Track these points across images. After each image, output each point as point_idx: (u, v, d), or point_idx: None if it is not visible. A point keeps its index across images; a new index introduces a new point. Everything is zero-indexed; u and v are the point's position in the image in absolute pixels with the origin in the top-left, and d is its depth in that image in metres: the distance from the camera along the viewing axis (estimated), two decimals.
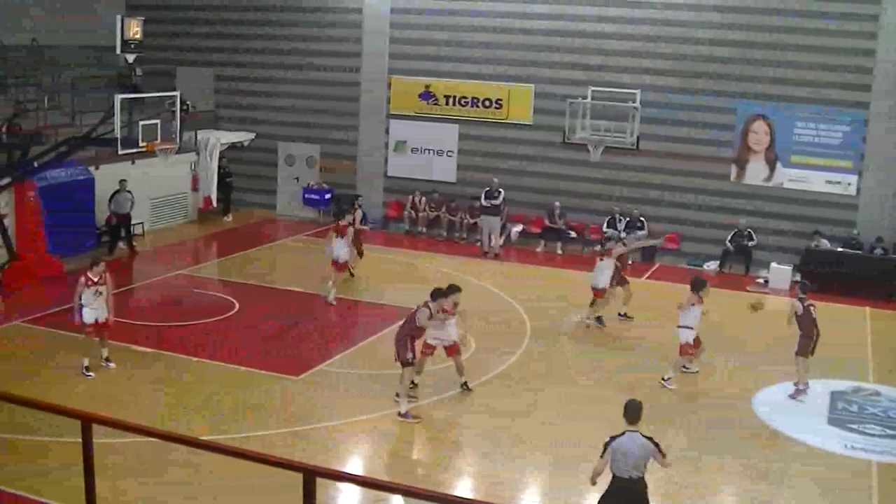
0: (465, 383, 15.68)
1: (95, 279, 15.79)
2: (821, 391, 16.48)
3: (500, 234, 26.27)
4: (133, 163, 24.23)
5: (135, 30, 20.30)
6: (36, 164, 21.22)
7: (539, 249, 26.59)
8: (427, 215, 27.87)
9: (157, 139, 21.19)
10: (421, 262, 24.61)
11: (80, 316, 15.76)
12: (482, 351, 17.59)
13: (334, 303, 20.57)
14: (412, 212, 27.96)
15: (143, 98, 21.22)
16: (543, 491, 13.00)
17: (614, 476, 10.00)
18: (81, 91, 25.63)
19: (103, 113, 20.95)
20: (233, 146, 29.22)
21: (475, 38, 27.26)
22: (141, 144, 20.70)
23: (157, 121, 21.07)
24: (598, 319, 19.81)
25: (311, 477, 5.85)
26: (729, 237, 24.95)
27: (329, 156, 29.46)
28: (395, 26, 28.06)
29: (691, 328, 16.40)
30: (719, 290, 22.59)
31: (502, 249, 26.11)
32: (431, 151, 28.17)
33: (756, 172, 25.19)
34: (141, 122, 20.65)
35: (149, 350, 16.97)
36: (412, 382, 15.13)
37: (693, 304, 16.43)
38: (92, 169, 24.01)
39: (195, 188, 28.28)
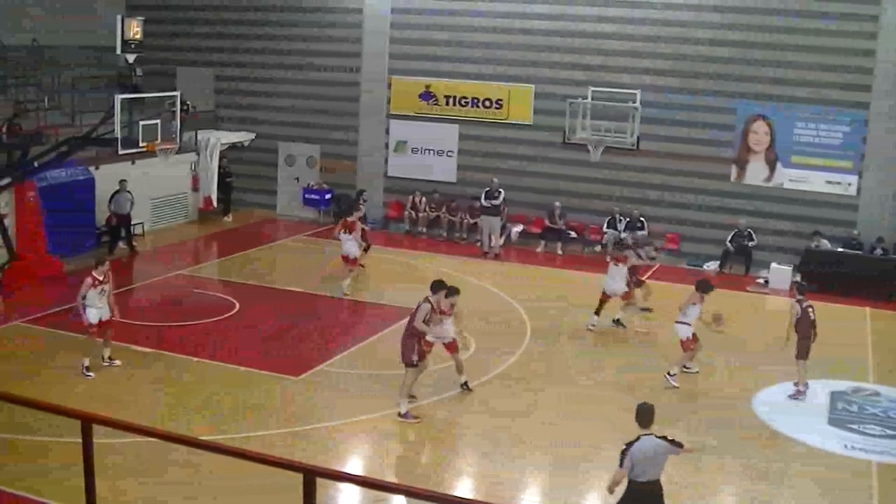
0: (466, 383, 15.67)
1: (101, 278, 15.82)
2: (821, 391, 16.46)
3: (501, 235, 26.27)
4: (133, 163, 24.23)
5: (135, 30, 20.31)
6: (36, 164, 21.21)
7: (539, 250, 26.58)
8: (427, 215, 27.87)
9: (157, 139, 21.20)
10: (421, 262, 24.59)
11: (86, 316, 15.72)
12: (482, 351, 17.58)
13: (349, 292, 20.98)
14: (412, 212, 27.96)
15: (143, 98, 21.23)
16: (543, 491, 12.99)
17: (632, 481, 9.99)
18: (82, 91, 25.62)
19: (103, 113, 20.95)
20: (233, 146, 29.22)
21: (475, 39, 27.26)
22: (141, 144, 20.71)
23: (158, 121, 21.07)
24: (617, 321, 19.82)
25: (311, 477, 5.85)
26: (729, 237, 24.95)
27: (329, 156, 29.46)
28: (395, 26, 28.06)
29: (688, 324, 16.46)
30: (720, 291, 22.56)
31: (502, 249, 26.10)
32: (432, 151, 28.16)
33: (756, 173, 25.18)
34: (141, 123, 20.66)
35: (148, 350, 16.96)
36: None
37: (694, 304, 16.47)
38: (92, 169, 24.01)
39: (195, 188, 28.28)
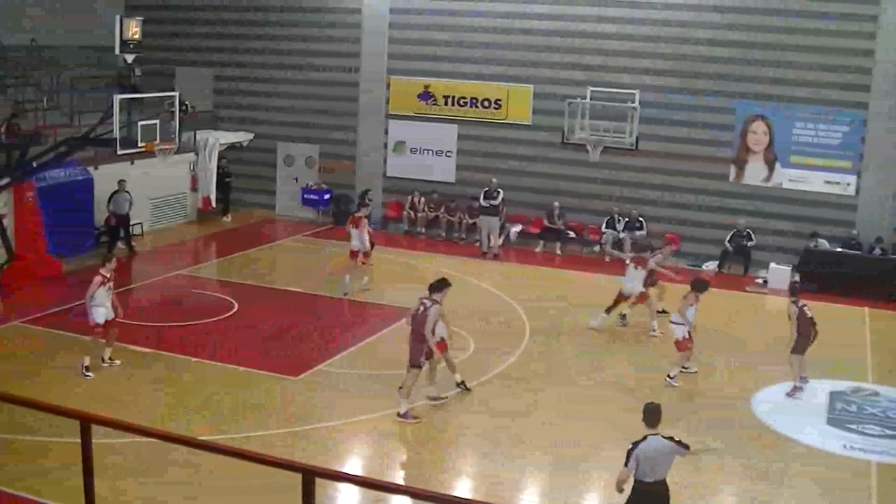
0: (463, 382, 15.60)
1: (108, 276, 15.89)
2: (820, 391, 16.47)
3: (499, 235, 26.27)
4: (132, 163, 24.20)
5: (134, 30, 20.33)
6: (35, 165, 21.21)
7: (538, 250, 26.58)
8: (426, 215, 27.86)
9: (156, 139, 21.20)
10: (420, 262, 24.59)
11: (93, 316, 15.73)
12: (482, 351, 17.59)
13: (348, 291, 21.19)
14: (411, 212, 27.95)
15: (142, 98, 21.22)
16: (543, 491, 12.98)
17: (639, 481, 9.97)
18: (81, 91, 25.61)
19: (102, 113, 20.95)
20: (232, 146, 29.22)
21: (474, 39, 27.26)
22: (140, 145, 20.71)
23: (156, 121, 21.08)
24: (623, 317, 19.88)
25: (311, 477, 5.84)
26: (728, 237, 24.94)
27: (328, 156, 29.45)
28: (394, 26, 28.05)
29: (683, 324, 16.49)
30: (718, 291, 22.61)
31: (501, 250, 26.09)
32: (430, 152, 28.16)
33: (755, 173, 25.19)
34: (140, 123, 20.66)
35: (147, 350, 16.93)
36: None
37: (691, 304, 16.55)
38: (91, 169, 24.00)
39: (194, 188, 28.26)
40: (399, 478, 12.93)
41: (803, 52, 24.22)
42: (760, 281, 24.04)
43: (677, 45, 25.33)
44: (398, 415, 14.48)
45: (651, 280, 19.82)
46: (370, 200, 24.62)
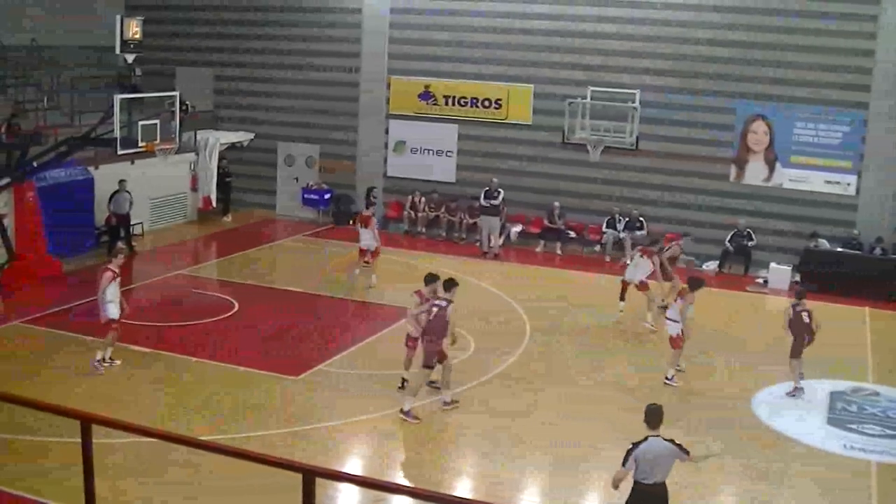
0: (433, 382, 15.49)
1: (118, 271, 15.99)
2: (820, 391, 16.49)
3: (500, 235, 26.28)
4: (132, 163, 24.21)
5: (134, 30, 20.34)
6: (35, 164, 21.22)
7: (538, 249, 26.59)
8: (426, 215, 27.86)
9: (156, 139, 21.23)
10: (421, 262, 24.52)
11: (106, 312, 15.79)
12: (482, 351, 17.59)
13: (373, 284, 21.77)
14: (411, 212, 27.96)
15: (142, 98, 21.23)
16: (543, 491, 12.99)
17: (638, 482, 9.93)
18: (81, 91, 25.62)
19: (102, 113, 20.95)
20: (232, 146, 29.23)
21: (474, 39, 27.25)
22: (140, 145, 20.74)
23: (157, 121, 21.11)
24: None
25: (311, 477, 5.84)
26: (728, 237, 24.94)
27: (328, 156, 29.46)
28: (394, 26, 28.05)
29: (678, 321, 16.55)
30: (719, 291, 22.69)
31: (501, 249, 26.09)
32: (431, 151, 28.16)
33: (755, 173, 25.18)
34: (140, 123, 20.69)
35: (147, 350, 16.92)
36: (404, 381, 15.35)
37: (690, 304, 16.65)
38: (91, 169, 24.00)
39: (194, 188, 28.27)
40: (399, 478, 12.93)
41: (803, 52, 24.21)
42: (761, 281, 24.05)
43: (677, 45, 25.32)
44: (401, 411, 14.49)
45: (668, 274, 20.07)
46: (375, 198, 24.79)
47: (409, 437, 14.33)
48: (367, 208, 23.12)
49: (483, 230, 26.24)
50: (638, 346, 18.75)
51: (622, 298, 20.28)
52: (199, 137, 27.80)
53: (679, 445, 10.02)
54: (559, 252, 26.44)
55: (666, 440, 10.01)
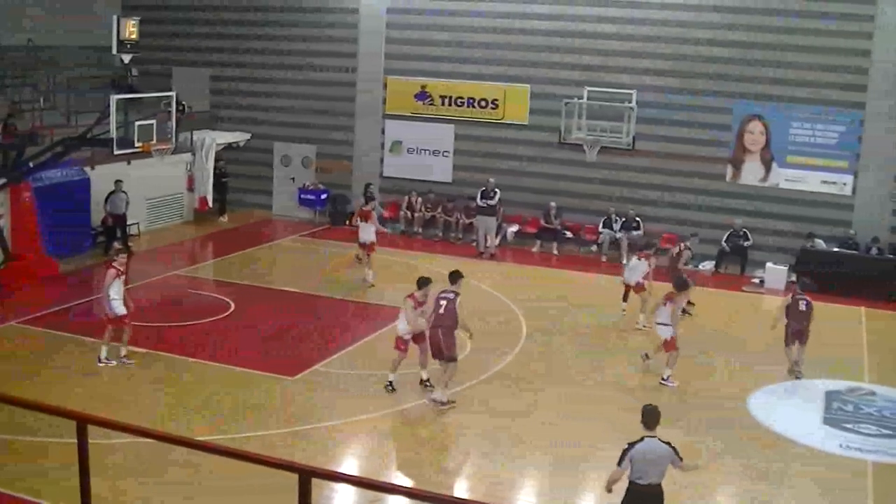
0: (427, 380, 15.65)
1: (122, 269, 16.08)
2: (817, 391, 16.52)
3: (496, 235, 26.28)
4: (129, 163, 24.15)
5: (130, 30, 20.33)
6: (31, 165, 21.19)
7: (535, 250, 26.60)
8: (423, 215, 27.86)
9: (152, 139, 21.23)
10: (420, 262, 24.53)
11: (112, 309, 15.89)
12: (480, 351, 17.48)
13: (371, 281, 21.97)
14: (408, 212, 27.95)
15: (139, 98, 21.20)
16: (543, 491, 12.97)
17: (633, 483, 9.91)
18: (79, 91, 25.57)
19: (99, 113, 20.93)
20: (229, 146, 29.19)
21: (471, 39, 27.25)
22: (137, 145, 20.72)
23: (153, 121, 21.11)
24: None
25: (307, 478, 5.84)
26: (725, 237, 24.97)
27: (325, 156, 29.44)
28: (391, 26, 28.05)
29: (669, 325, 16.60)
30: (715, 291, 22.75)
31: (498, 250, 26.10)
32: (427, 152, 28.15)
33: (752, 172, 25.20)
34: (137, 123, 20.67)
35: (141, 350, 16.78)
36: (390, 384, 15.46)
37: (681, 305, 16.92)
38: (88, 169, 23.95)
39: (191, 188, 28.25)
40: (399, 477, 12.89)
41: (801, 52, 24.25)
42: (757, 281, 24.08)
43: (674, 45, 25.34)
44: (436, 401, 14.79)
45: (678, 272, 20.12)
46: (372, 194, 25.07)
47: (409, 436, 14.35)
48: (367, 203, 23.30)
49: (479, 230, 26.25)
50: (638, 347, 18.66)
51: (625, 299, 20.41)
52: (195, 138, 27.78)
53: (675, 449, 9.99)
54: (555, 252, 26.45)
55: (663, 442, 9.98)
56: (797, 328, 16.94)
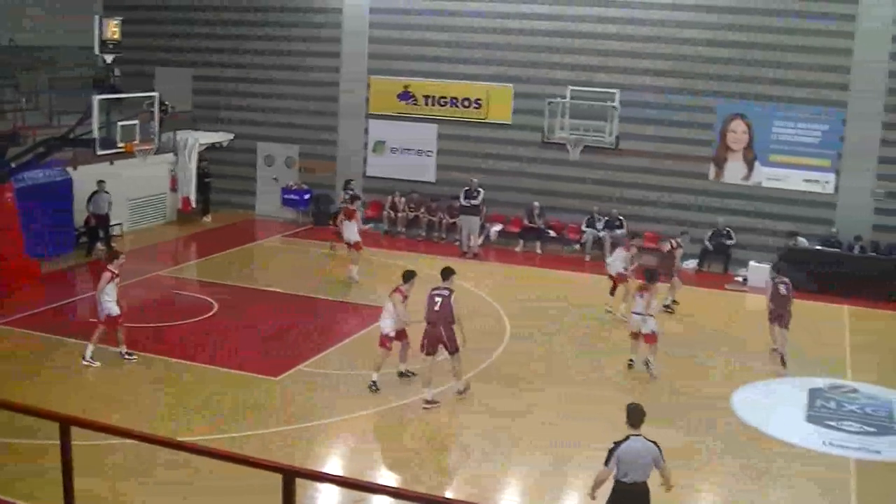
0: (408, 371, 15.92)
1: (117, 272, 16.21)
2: (799, 388, 16.61)
3: (479, 234, 26.31)
4: (111, 164, 23.98)
5: (113, 30, 20.21)
6: (13, 165, 21.01)
7: (518, 249, 26.66)
8: (406, 215, 27.86)
9: (135, 140, 21.09)
10: (403, 262, 24.42)
11: (109, 311, 15.97)
12: (464, 350, 17.50)
13: (357, 279, 22.25)
14: (391, 212, 27.94)
15: (122, 99, 21.09)
16: (543, 491, 12.94)
17: (618, 482, 9.92)
18: (61, 91, 25.34)
19: (81, 114, 20.79)
20: (212, 147, 29.05)
21: (454, 39, 27.27)
22: (119, 145, 20.59)
23: (136, 121, 20.97)
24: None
25: (291, 478, 5.86)
26: (708, 236, 25.11)
27: (308, 156, 29.38)
28: (374, 26, 28.03)
29: (645, 315, 16.93)
30: (698, 289, 22.86)
31: (481, 249, 26.13)
32: (411, 151, 28.15)
33: (734, 171, 25.35)
34: (119, 123, 20.55)
35: (120, 349, 16.70)
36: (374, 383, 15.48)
37: (654, 295, 17.18)
38: (70, 170, 23.77)
39: (174, 189, 28.14)
40: (398, 477, 12.87)
41: (783, 50, 24.40)
42: (740, 279, 24.23)
43: (658, 44, 25.44)
44: (458, 392, 15.25)
45: (669, 271, 20.66)
46: (353, 190, 25.44)
47: (409, 436, 14.34)
48: (352, 202, 23.45)
49: (463, 230, 26.28)
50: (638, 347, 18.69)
51: (612, 293, 20.61)
52: (178, 138, 27.61)
53: (661, 450, 10.00)
54: (539, 251, 26.52)
55: (649, 441, 10.00)
56: (779, 312, 17.61)
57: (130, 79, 23.63)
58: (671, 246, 21.38)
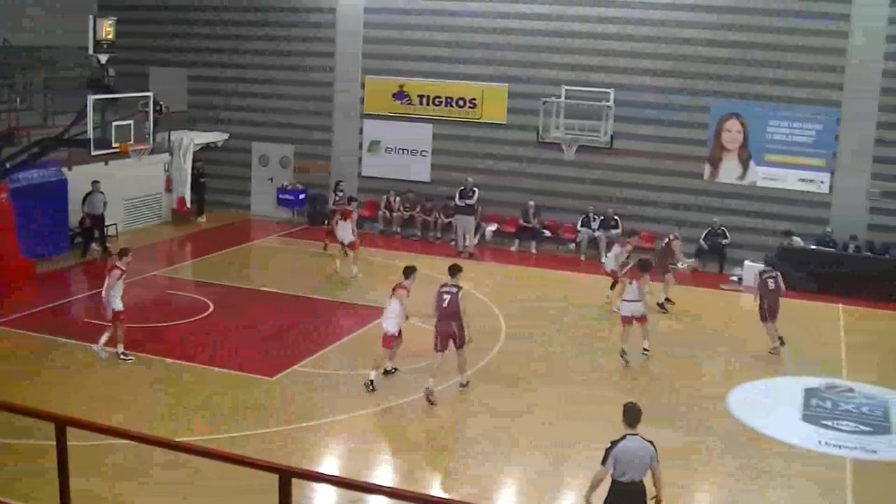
0: (394, 369, 16.11)
1: (125, 269, 16.38)
2: (795, 388, 16.61)
3: (475, 234, 26.32)
4: (107, 164, 23.94)
5: (107, 30, 20.17)
6: (8, 166, 20.95)
7: (513, 249, 26.66)
8: (401, 215, 27.84)
9: (130, 140, 21.06)
10: (399, 262, 24.39)
11: (115, 306, 16.12)
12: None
13: (359, 275, 22.59)
14: (386, 212, 27.93)
15: (116, 99, 21.05)
16: (542, 491, 12.93)
17: (616, 481, 9.89)
18: (62, 91, 25.28)
19: (75, 114, 20.75)
20: (207, 147, 29.01)
21: (449, 38, 27.26)
22: (114, 145, 20.56)
23: (131, 121, 20.95)
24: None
25: (287, 478, 5.86)
26: (703, 235, 25.12)
27: (303, 156, 29.35)
28: (368, 26, 28.01)
29: (638, 301, 17.42)
30: (694, 289, 22.88)
31: (476, 249, 26.11)
32: (406, 151, 28.14)
33: (729, 171, 25.36)
34: (114, 123, 20.52)
35: (112, 349, 16.66)
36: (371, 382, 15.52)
37: (645, 283, 17.67)
38: (65, 170, 23.72)
39: (169, 189, 28.09)
40: (398, 477, 12.88)
41: (778, 50, 24.43)
42: (735, 278, 24.25)
43: (652, 44, 25.44)
44: (461, 385, 15.62)
45: (665, 268, 21.02)
46: (343, 191, 25.57)
47: (409, 435, 14.36)
48: (349, 203, 23.55)
49: (458, 230, 26.29)
50: (637, 347, 18.57)
51: (612, 288, 20.75)
52: (173, 138, 27.58)
53: (657, 450, 9.98)
54: (534, 251, 26.52)
55: (646, 440, 9.98)
56: (770, 305, 17.96)
57: (125, 79, 23.63)
58: (667, 240, 21.51)
